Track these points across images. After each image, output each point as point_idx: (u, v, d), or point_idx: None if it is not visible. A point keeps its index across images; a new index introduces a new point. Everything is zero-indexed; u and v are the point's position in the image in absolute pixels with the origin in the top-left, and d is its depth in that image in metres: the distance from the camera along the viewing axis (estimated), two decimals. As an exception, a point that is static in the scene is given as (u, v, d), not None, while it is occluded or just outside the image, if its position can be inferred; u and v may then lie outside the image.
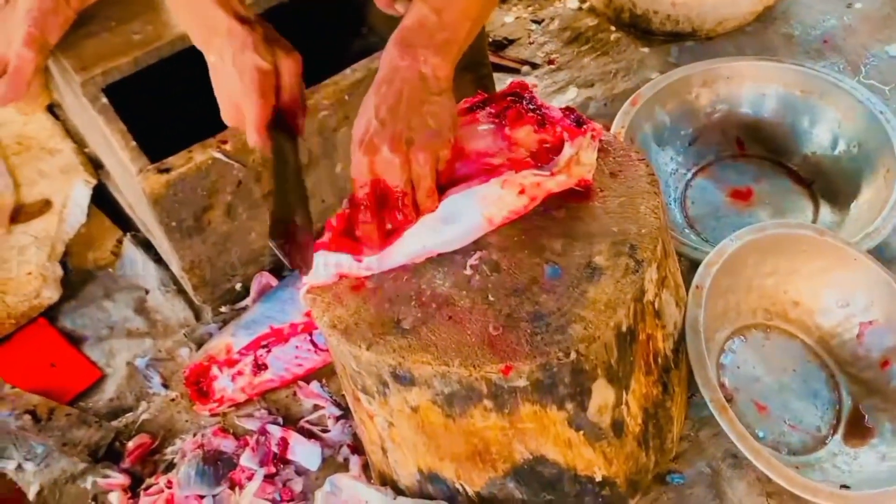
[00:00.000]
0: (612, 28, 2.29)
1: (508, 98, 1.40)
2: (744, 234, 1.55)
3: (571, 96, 2.15)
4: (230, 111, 1.33)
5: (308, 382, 1.71)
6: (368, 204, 1.27)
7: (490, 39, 2.27)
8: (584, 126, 1.35)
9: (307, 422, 1.67)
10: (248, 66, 1.28)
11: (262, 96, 1.28)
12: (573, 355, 1.19)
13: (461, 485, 1.39)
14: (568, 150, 1.32)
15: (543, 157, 1.33)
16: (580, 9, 2.36)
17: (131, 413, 1.72)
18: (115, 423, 1.70)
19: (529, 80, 2.19)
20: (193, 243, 1.68)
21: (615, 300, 1.23)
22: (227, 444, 1.63)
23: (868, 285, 1.58)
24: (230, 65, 1.29)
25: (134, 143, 1.61)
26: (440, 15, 1.29)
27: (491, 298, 1.26)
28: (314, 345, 1.70)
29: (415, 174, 1.26)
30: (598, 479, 1.38)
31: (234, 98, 1.30)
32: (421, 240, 1.31)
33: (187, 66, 1.69)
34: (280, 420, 1.67)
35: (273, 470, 1.59)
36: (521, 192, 1.31)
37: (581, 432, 1.31)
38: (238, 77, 1.28)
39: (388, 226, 1.30)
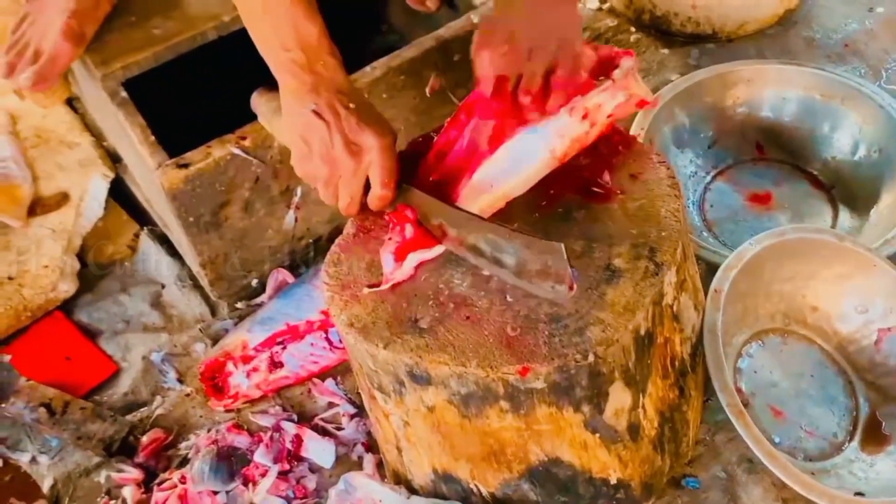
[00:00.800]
0: (633, 29, 2.28)
1: None
2: (763, 239, 1.55)
3: (590, 97, 2.14)
4: (339, 161, 1.30)
5: (323, 380, 1.71)
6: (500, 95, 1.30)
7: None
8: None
9: (321, 419, 1.67)
10: (385, 122, 1.31)
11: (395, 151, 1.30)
12: (591, 358, 1.19)
13: (475, 485, 1.39)
14: (627, 62, 1.34)
15: (603, 71, 1.35)
16: (600, 9, 2.35)
17: (146, 407, 1.73)
18: (129, 418, 1.70)
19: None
20: (210, 238, 1.68)
21: (634, 303, 1.22)
22: (241, 441, 1.63)
23: (887, 291, 1.57)
24: (352, 121, 1.28)
25: (153, 138, 1.61)
26: None
27: (509, 299, 1.25)
28: (329, 342, 1.70)
29: (533, 79, 1.28)
30: (613, 481, 1.38)
31: (346, 148, 1.28)
32: (491, 182, 1.32)
33: (207, 61, 1.70)
34: (294, 417, 1.67)
35: (287, 467, 1.59)
36: (585, 116, 1.33)
37: (597, 435, 1.30)
38: (372, 134, 1.28)
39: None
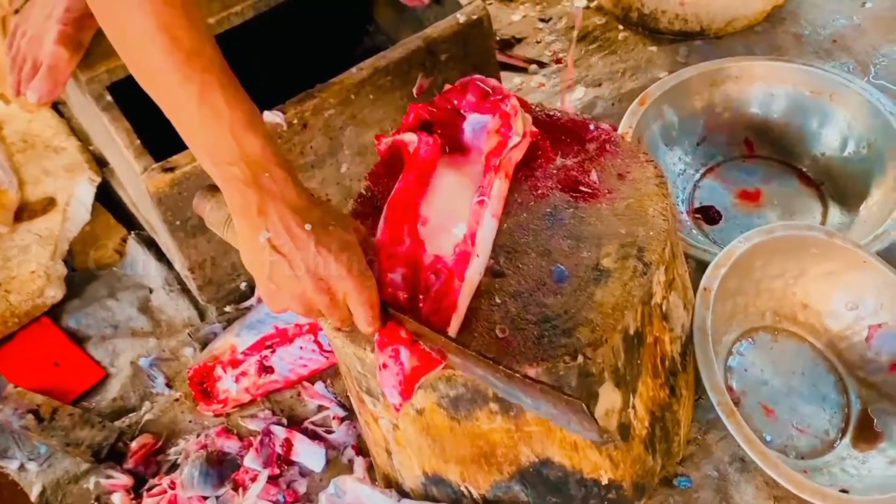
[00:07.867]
0: (620, 27, 2.28)
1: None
2: (752, 236, 1.54)
3: (579, 95, 2.13)
4: (313, 300, 1.18)
5: (313, 383, 1.70)
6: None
7: (497, 38, 2.26)
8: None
9: (311, 423, 1.66)
10: (347, 241, 1.17)
11: (370, 272, 1.19)
12: (580, 358, 1.18)
13: (466, 487, 1.38)
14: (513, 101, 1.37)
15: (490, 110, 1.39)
16: (588, 7, 2.34)
17: (135, 413, 1.72)
18: (118, 423, 1.69)
19: (537, 78, 2.18)
20: (198, 243, 1.67)
21: (623, 303, 1.21)
22: (230, 445, 1.62)
23: (877, 288, 1.57)
24: (311, 249, 1.14)
25: (138, 142, 1.61)
26: None
27: (497, 301, 1.24)
28: (319, 346, 1.69)
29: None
30: (605, 482, 1.37)
31: (316, 287, 1.16)
32: (477, 273, 1.27)
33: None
34: (284, 421, 1.66)
35: (277, 471, 1.59)
36: (507, 176, 1.34)
37: (587, 436, 1.30)
38: (336, 263, 1.15)
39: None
